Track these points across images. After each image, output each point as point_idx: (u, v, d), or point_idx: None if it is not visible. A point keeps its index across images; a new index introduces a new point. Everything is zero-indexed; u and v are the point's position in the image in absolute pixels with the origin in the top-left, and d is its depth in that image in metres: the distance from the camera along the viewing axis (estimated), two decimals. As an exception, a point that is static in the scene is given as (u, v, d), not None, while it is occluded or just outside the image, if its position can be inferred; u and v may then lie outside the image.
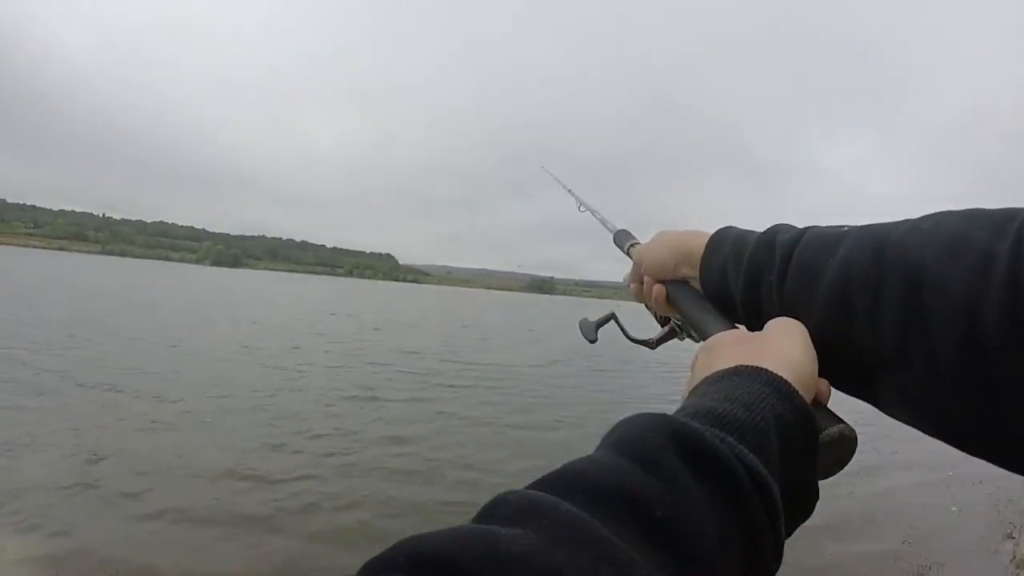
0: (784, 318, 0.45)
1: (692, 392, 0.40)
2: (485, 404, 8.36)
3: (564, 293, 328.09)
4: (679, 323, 0.69)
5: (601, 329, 0.76)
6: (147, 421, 6.01)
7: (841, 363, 0.44)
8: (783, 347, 0.42)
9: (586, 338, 0.76)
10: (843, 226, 0.49)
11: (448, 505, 4.48)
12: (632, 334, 0.73)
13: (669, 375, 13.14)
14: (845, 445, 0.41)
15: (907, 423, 0.40)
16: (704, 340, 0.54)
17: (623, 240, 0.85)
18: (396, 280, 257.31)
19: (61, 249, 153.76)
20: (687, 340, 0.69)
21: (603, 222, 0.98)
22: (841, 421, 0.41)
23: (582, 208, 1.05)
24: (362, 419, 6.87)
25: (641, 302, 0.74)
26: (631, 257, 0.78)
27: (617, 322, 0.75)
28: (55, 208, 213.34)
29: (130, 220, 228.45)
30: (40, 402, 6.43)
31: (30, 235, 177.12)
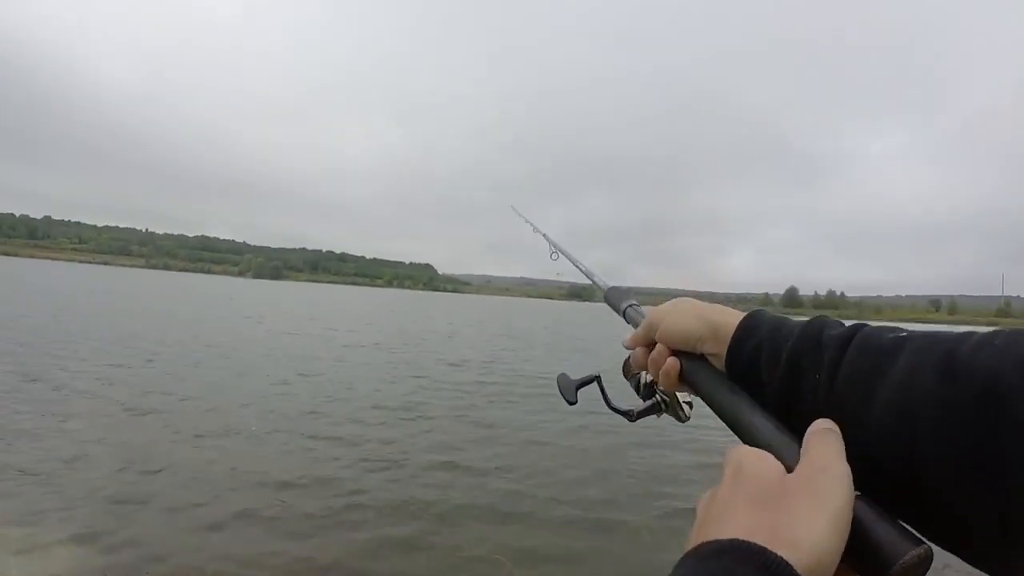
0: (828, 470, 0.39)
1: (681, 564, 0.35)
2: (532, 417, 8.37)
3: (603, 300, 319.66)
4: (666, 399, 0.67)
5: (582, 390, 0.71)
6: (194, 432, 6.27)
7: (893, 486, 0.40)
8: (808, 522, 0.35)
9: (565, 398, 0.70)
10: (899, 329, 0.46)
11: (496, 514, 4.66)
12: (613, 402, 0.69)
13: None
14: None
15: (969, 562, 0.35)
16: (728, 423, 0.51)
17: (618, 299, 0.80)
18: (436, 290, 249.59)
19: (106, 264, 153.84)
20: (674, 418, 0.67)
21: (588, 274, 0.96)
22: None
23: (554, 255, 1.03)
24: (411, 430, 7.12)
25: (640, 370, 0.68)
26: (628, 319, 0.75)
27: (600, 385, 0.70)
28: (99, 224, 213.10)
29: (172, 234, 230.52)
30: (93, 411, 6.96)
31: (75, 250, 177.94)
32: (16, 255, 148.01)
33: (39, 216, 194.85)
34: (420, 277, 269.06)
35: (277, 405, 7.95)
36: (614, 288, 0.81)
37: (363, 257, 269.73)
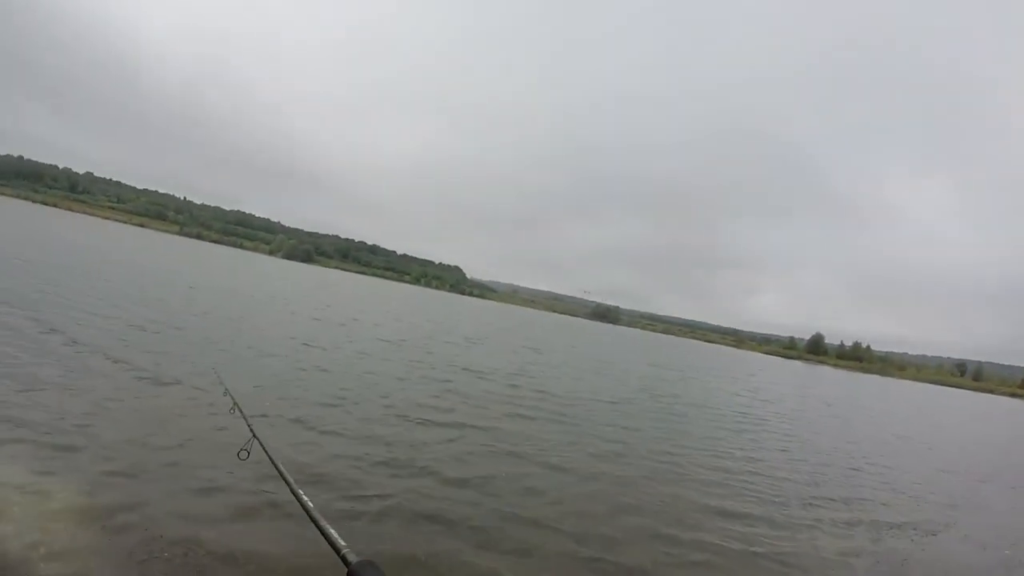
0: None
1: None
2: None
3: (628, 324, 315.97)
4: None
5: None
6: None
7: None
8: None
9: None
10: None
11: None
12: None
13: (743, 419, 14.19)
14: None
15: None
16: None
17: None
18: (462, 293, 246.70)
19: (141, 226, 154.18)
20: None
21: None
22: None
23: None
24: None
25: None
26: None
27: None
28: (139, 187, 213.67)
29: (209, 206, 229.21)
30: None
31: (112, 208, 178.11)
32: (55, 206, 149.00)
33: (81, 172, 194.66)
34: (448, 278, 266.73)
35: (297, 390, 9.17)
36: None
37: (394, 252, 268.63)
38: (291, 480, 2.12)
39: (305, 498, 1.89)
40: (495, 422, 9.33)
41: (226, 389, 4.00)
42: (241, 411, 3.50)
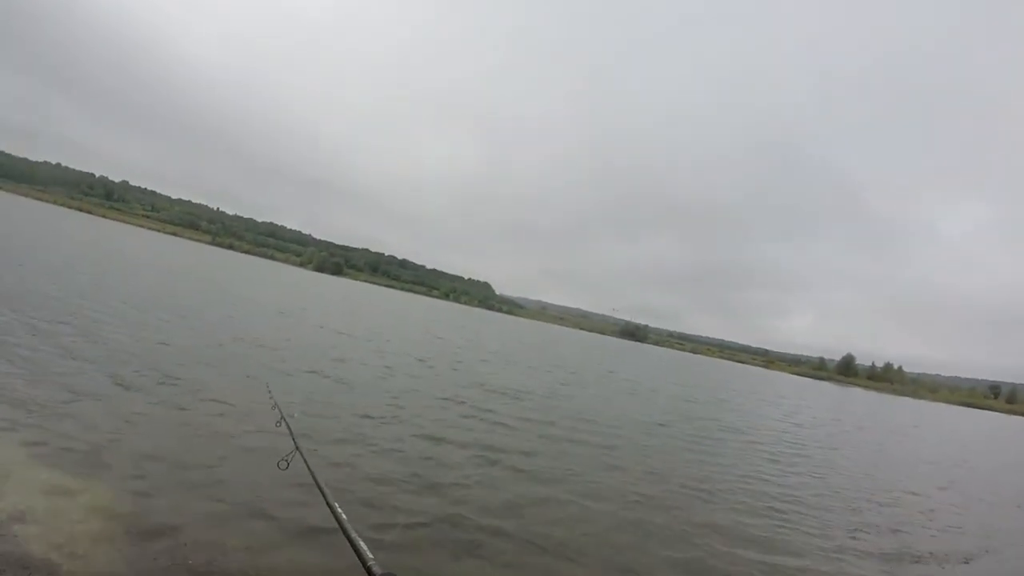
0: None
1: None
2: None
3: (656, 343, 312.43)
4: None
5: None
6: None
7: None
8: None
9: None
10: None
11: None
12: None
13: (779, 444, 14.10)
14: None
15: None
16: None
17: None
18: (490, 309, 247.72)
19: (174, 235, 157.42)
20: None
21: None
22: None
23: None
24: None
25: None
26: None
27: None
28: (173, 196, 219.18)
29: (242, 217, 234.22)
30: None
31: (146, 217, 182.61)
32: (90, 212, 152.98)
33: (117, 180, 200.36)
34: (476, 294, 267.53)
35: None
36: None
37: (423, 267, 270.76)
38: (327, 492, 2.21)
39: (339, 510, 1.97)
40: (529, 444, 9.30)
41: (275, 403, 4.05)
42: (287, 424, 3.58)
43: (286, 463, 2.79)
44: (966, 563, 7.38)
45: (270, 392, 4.59)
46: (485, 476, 7.19)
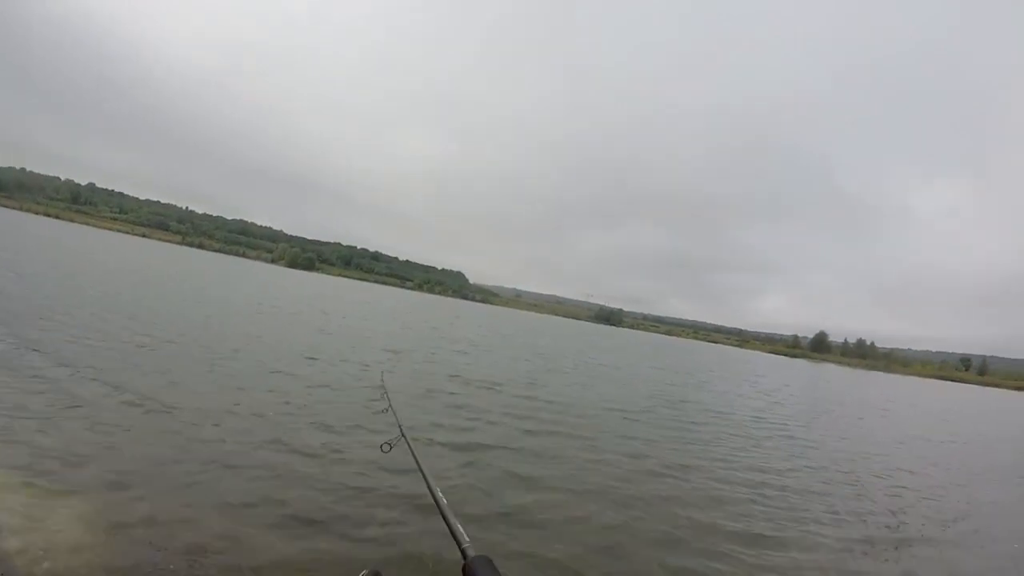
0: None
1: None
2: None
3: (631, 326, 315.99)
4: None
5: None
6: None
7: None
8: None
9: None
10: None
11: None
12: None
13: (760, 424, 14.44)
14: None
15: None
16: None
17: None
18: (465, 298, 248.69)
19: (143, 236, 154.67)
20: None
21: None
22: None
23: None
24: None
25: None
26: None
27: None
28: (141, 196, 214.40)
29: (211, 215, 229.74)
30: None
31: (115, 219, 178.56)
32: (57, 217, 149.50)
33: (84, 182, 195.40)
34: (450, 284, 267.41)
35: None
36: None
37: (396, 258, 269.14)
38: (428, 475, 2.23)
39: (439, 493, 1.98)
40: (512, 440, 8.94)
41: (385, 391, 4.11)
42: (393, 409, 3.62)
43: (389, 446, 2.89)
44: (947, 528, 7.57)
45: (382, 381, 4.51)
46: (475, 478, 6.96)
